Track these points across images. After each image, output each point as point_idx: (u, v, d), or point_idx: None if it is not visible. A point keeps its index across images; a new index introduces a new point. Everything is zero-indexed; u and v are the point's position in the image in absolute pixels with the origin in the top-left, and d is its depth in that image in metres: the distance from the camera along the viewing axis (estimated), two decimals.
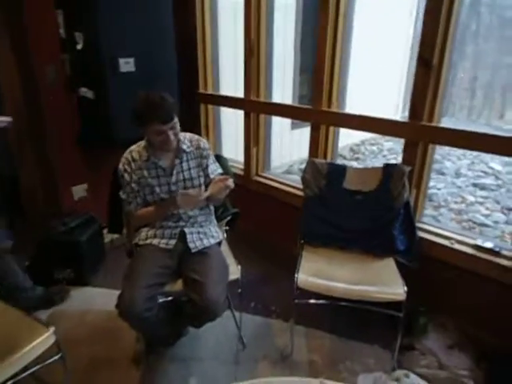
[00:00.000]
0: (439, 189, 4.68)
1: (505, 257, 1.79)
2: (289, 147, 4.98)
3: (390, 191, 1.95)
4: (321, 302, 1.92)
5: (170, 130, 1.59)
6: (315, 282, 1.77)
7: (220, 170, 1.87)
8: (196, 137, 1.79)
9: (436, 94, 1.84)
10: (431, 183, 4.82)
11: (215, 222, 1.94)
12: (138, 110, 1.57)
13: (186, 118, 2.12)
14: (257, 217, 2.79)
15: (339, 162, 5.65)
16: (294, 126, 4.86)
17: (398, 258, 1.92)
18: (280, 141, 4.76)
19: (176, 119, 1.60)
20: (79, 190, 2.74)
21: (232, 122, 3.51)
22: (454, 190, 4.67)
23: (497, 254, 1.81)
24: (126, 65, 2.31)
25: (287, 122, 4.71)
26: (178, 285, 1.67)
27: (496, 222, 3.86)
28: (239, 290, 1.79)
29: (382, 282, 1.77)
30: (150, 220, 1.75)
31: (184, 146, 1.72)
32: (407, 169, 1.92)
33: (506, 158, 5.50)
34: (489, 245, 1.85)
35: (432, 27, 1.75)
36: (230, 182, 1.63)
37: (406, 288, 1.69)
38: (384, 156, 6.06)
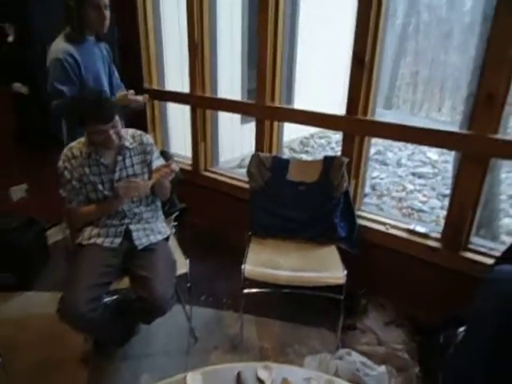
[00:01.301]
0: (382, 178, 4.96)
1: (433, 239, 1.96)
2: (240, 141, 5.03)
3: (330, 182, 2.06)
4: (268, 290, 2.00)
5: (111, 129, 1.56)
6: (261, 271, 1.84)
7: None
8: (139, 132, 1.78)
9: (369, 90, 1.97)
10: (375, 173, 5.11)
11: (162, 217, 1.94)
12: (75, 112, 1.54)
13: (130, 113, 2.10)
14: (206, 211, 2.82)
15: (290, 155, 5.82)
16: (243, 121, 4.91)
17: (339, 245, 2.04)
18: (231, 135, 4.80)
19: (117, 117, 1.58)
20: (18, 191, 2.61)
21: (179, 118, 3.49)
22: (395, 179, 4.96)
23: (426, 236, 1.98)
24: None
25: (237, 116, 4.75)
26: (125, 282, 1.66)
27: (432, 208, 4.17)
28: (188, 284, 1.81)
29: (324, 267, 1.88)
30: (93, 217, 1.72)
31: (126, 143, 1.70)
32: (345, 160, 2.03)
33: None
34: (419, 229, 2.02)
35: (363, 27, 1.87)
36: (174, 166, 1.64)
37: (345, 272, 1.80)
38: (332, 148, 6.29)
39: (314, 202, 2.09)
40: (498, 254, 1.74)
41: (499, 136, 1.66)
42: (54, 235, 2.74)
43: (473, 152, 1.72)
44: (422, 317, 1.92)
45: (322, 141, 6.56)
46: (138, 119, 2.93)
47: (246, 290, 1.85)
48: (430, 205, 4.24)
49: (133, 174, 1.73)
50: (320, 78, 6.03)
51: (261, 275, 1.83)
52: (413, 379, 1.67)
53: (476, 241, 1.89)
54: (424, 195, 4.48)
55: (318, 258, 1.97)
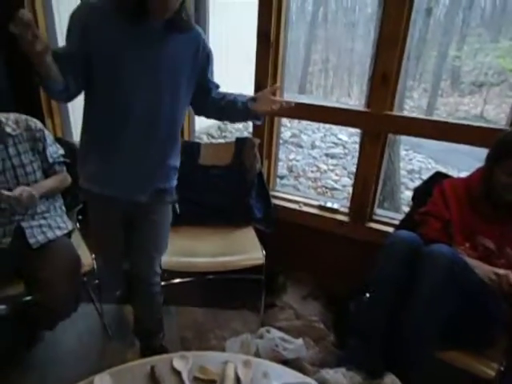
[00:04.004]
0: (298, 160, 5.14)
1: (342, 213, 2.07)
2: None
3: (243, 163, 2.05)
4: (189, 279, 1.95)
5: None
6: (178, 260, 1.77)
7: (61, 151, 1.70)
8: (23, 117, 1.57)
9: (276, 70, 1.97)
10: (291, 156, 5.27)
11: (63, 210, 1.76)
12: None
13: (19, 96, 1.84)
14: None
15: (207, 141, 5.74)
16: None
17: (256, 226, 2.05)
18: None
19: None
20: None
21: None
22: (310, 160, 5.18)
23: (336, 211, 2.07)
24: None
25: None
26: (20, 287, 1.48)
27: (344, 186, 4.44)
28: (96, 281, 1.68)
29: (243, 249, 1.88)
30: None
31: (8, 129, 1.49)
32: (257, 141, 2.03)
33: (352, 130, 6.33)
34: (330, 204, 2.11)
35: (266, 5, 1.85)
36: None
37: (264, 252, 1.82)
38: (250, 132, 6.33)
39: (229, 186, 2.06)
40: (398, 222, 1.89)
41: (394, 113, 1.78)
42: None
43: (371, 128, 1.83)
44: (336, 287, 2.02)
45: (239, 125, 6.57)
46: (29, 104, 2.61)
47: (163, 282, 1.76)
48: (341, 183, 4.51)
49: (19, 164, 1.52)
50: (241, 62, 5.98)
51: (178, 265, 1.76)
52: (328, 347, 1.76)
53: (380, 212, 2.03)
54: (336, 174, 4.75)
55: (235, 241, 1.96)
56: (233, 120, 1.58)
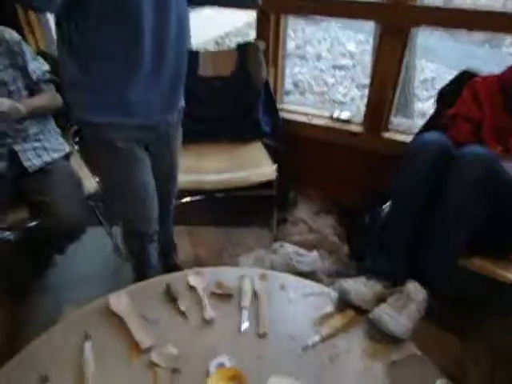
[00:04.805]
0: (303, 74, 4.82)
1: (355, 123, 1.93)
2: None
3: (248, 72, 1.86)
4: (198, 197, 1.90)
5: None
6: (186, 179, 1.68)
7: (46, 67, 1.53)
8: None
9: None
10: (296, 69, 4.93)
11: (57, 131, 1.63)
12: None
13: None
14: None
15: None
16: None
17: (265, 141, 1.93)
18: None
19: None
20: None
21: None
22: (316, 73, 4.85)
23: (348, 122, 1.93)
24: None
25: None
26: (24, 213, 1.42)
27: (352, 99, 4.20)
28: (100, 204, 1.62)
29: (252, 165, 1.80)
30: None
31: None
32: (262, 44, 1.82)
33: (361, 37, 5.85)
34: (343, 115, 1.96)
35: None
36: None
37: (275, 166, 1.73)
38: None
39: (233, 98, 1.91)
40: (415, 131, 1.75)
41: (418, 3, 1.56)
42: None
43: (393, 22, 1.60)
44: (349, 202, 1.97)
45: (238, 39, 6.08)
46: (4, 17, 2.34)
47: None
48: (350, 96, 4.26)
49: (1, 81, 1.37)
50: None
51: (186, 183, 1.68)
52: (343, 258, 1.75)
53: (395, 121, 1.89)
54: (345, 87, 4.47)
55: (244, 157, 1.87)
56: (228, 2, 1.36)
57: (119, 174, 1.21)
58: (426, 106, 4.06)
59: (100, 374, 0.89)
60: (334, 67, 5.02)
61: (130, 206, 1.28)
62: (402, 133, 1.82)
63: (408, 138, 1.75)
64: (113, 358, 0.93)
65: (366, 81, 4.44)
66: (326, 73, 4.87)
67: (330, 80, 4.67)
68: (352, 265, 1.71)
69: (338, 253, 1.78)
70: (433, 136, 1.13)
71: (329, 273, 1.64)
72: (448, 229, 1.04)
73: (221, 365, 0.90)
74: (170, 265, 1.68)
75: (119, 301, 1.06)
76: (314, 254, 1.64)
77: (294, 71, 4.82)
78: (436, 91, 1.59)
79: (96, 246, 1.84)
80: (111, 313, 1.03)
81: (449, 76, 1.63)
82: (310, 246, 1.76)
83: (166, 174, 1.39)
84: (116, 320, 1.01)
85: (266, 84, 1.91)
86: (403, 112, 3.38)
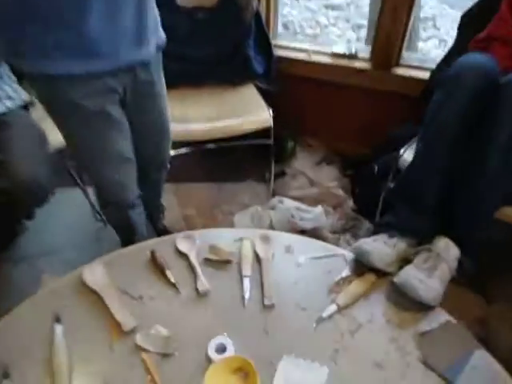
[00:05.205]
0: (293, 15, 4.44)
1: (361, 59, 1.70)
2: None
3: (235, 1, 1.58)
4: (183, 150, 1.68)
5: None
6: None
7: None
8: None
9: None
10: (285, 10, 4.53)
11: (12, 78, 1.37)
12: None
13: None
14: None
15: None
16: None
17: (257, 83, 1.71)
18: None
19: None
20: None
21: None
22: (308, 14, 4.48)
23: (353, 57, 1.70)
24: None
25: None
26: None
27: (348, 41, 3.89)
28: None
29: (246, 111, 1.59)
30: None
31: None
32: None
33: None
34: (347, 49, 1.72)
35: None
36: None
37: (271, 112, 1.53)
38: None
39: (220, 33, 1.65)
40: (429, 66, 1.53)
41: None
42: None
43: None
44: (353, 149, 1.79)
45: None
46: None
47: None
48: (345, 37, 3.95)
49: None
50: None
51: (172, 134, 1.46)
52: (349, 213, 1.60)
53: (407, 55, 1.66)
54: (339, 28, 4.14)
55: (236, 102, 1.65)
56: None
57: (89, 140, 1.00)
58: (426, 47, 3.78)
59: (74, 364, 0.73)
60: (327, 7, 4.63)
61: (104, 172, 1.08)
62: (416, 68, 1.60)
63: (425, 75, 1.52)
64: (89, 344, 0.77)
65: (362, 21, 4.11)
66: (318, 13, 4.50)
67: (323, 21, 4.31)
68: (359, 220, 1.55)
69: (343, 207, 1.62)
70: (478, 58, 0.91)
71: (334, 229, 1.48)
72: (494, 174, 0.86)
73: (221, 346, 0.75)
74: (157, 229, 1.50)
75: (94, 273, 0.88)
76: (319, 209, 1.47)
77: (284, 12, 4.43)
78: (438, 31, 1.36)
79: (73, 209, 1.65)
80: (86, 288, 0.85)
81: (449, 13, 1.39)
82: (312, 201, 1.59)
83: (153, 132, 1.17)
84: (92, 297, 0.84)
85: (257, 16, 1.65)
86: (409, 51, 3.13)
